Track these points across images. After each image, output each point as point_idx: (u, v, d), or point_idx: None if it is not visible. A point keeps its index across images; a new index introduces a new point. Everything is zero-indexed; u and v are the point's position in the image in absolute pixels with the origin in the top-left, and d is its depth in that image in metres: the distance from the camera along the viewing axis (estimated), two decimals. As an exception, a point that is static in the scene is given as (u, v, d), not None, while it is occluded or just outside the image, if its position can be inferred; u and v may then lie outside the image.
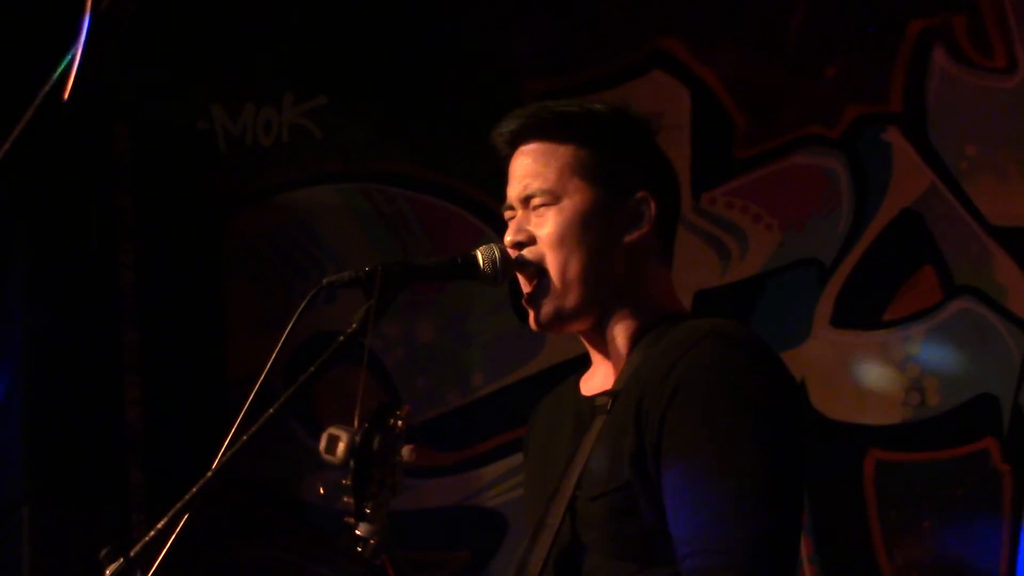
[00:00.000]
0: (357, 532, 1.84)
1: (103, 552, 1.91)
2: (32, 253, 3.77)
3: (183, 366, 3.90)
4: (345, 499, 1.85)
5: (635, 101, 3.94)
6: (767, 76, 4.21)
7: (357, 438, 1.82)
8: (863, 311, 4.12)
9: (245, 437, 1.98)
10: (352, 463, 1.82)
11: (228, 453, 1.99)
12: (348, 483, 1.83)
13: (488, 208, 4.30)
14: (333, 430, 1.86)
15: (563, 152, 2.10)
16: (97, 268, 3.85)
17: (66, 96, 1.03)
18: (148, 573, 1.96)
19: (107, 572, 1.90)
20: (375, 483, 1.84)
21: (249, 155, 4.56)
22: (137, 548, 1.93)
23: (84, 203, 3.86)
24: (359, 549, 1.85)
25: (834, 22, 4.16)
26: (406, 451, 1.86)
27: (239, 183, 4.54)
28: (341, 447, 1.83)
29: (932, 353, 4.04)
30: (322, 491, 1.97)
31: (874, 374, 4.08)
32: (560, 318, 2.08)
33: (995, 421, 3.96)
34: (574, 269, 2.06)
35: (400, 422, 1.86)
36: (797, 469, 1.97)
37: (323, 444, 1.85)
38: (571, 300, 2.06)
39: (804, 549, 4.07)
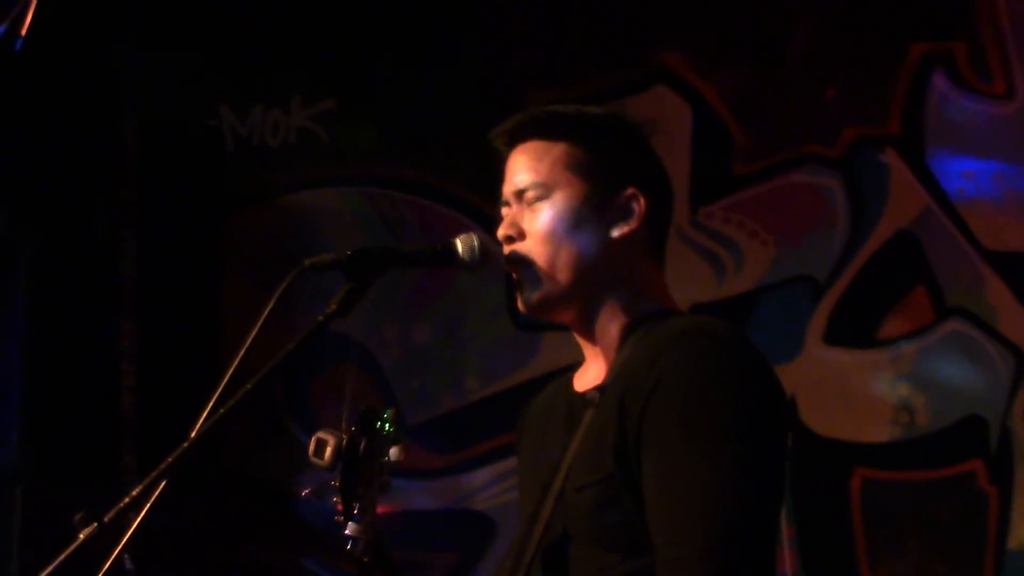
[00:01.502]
0: (347, 532, 1.91)
1: (77, 516, 1.95)
2: (37, 238, 3.83)
3: (179, 356, 3.96)
4: (334, 499, 1.92)
5: (637, 114, 4.02)
6: (768, 94, 4.26)
7: (344, 442, 1.89)
8: (855, 329, 4.15)
9: (222, 410, 2.02)
10: (339, 466, 1.90)
11: (205, 425, 2.03)
12: (337, 485, 1.90)
13: (488, 216, 4.34)
14: (321, 434, 1.93)
15: (556, 149, 2.15)
16: (100, 256, 3.91)
17: (23, 32, 1.07)
18: (122, 539, 2.00)
19: (80, 536, 1.94)
20: (363, 484, 1.90)
21: (255, 155, 4.62)
22: (111, 514, 1.96)
23: (90, 192, 3.92)
24: (349, 547, 1.91)
25: (836, 43, 4.20)
26: (394, 452, 1.92)
27: (244, 182, 4.60)
28: (328, 451, 1.90)
29: (922, 373, 4.07)
30: (304, 494, 2.04)
31: (864, 392, 4.12)
32: (546, 303, 2.12)
33: (983, 443, 3.99)
34: (562, 260, 2.11)
35: (387, 425, 1.93)
36: (775, 467, 1.99)
37: (312, 448, 1.92)
38: (557, 287, 2.10)
39: (789, 563, 4.09)
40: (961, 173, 4.10)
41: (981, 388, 4.01)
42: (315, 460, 1.91)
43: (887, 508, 4.06)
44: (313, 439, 1.92)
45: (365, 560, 1.91)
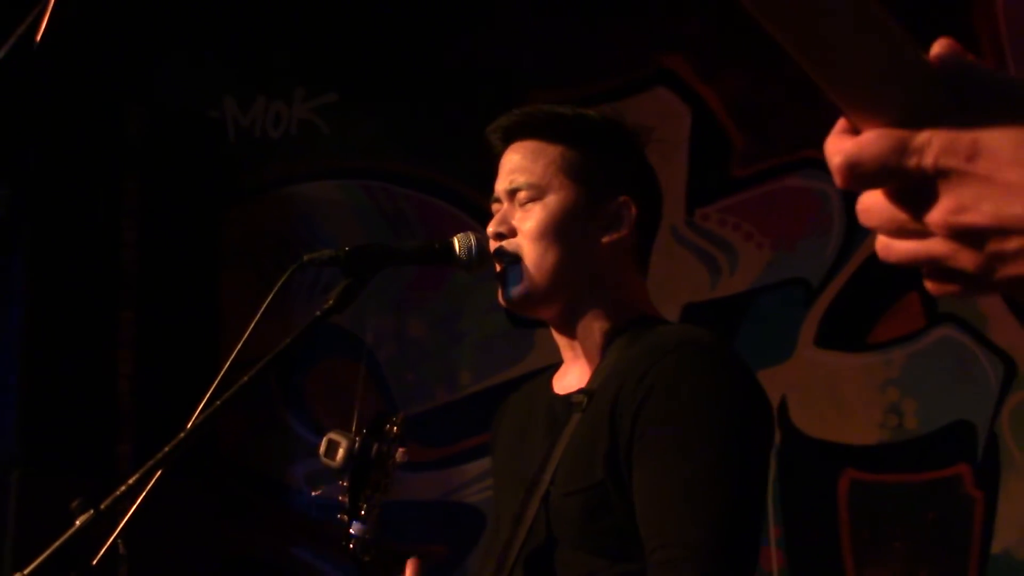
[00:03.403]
0: (351, 531, 1.94)
1: (74, 503, 1.98)
2: (37, 225, 3.85)
3: (176, 344, 3.98)
4: (341, 498, 1.95)
5: (637, 116, 4.03)
6: (766, 98, 4.28)
7: (356, 445, 1.93)
8: (847, 333, 4.18)
9: (219, 402, 2.05)
10: (350, 468, 1.93)
11: (202, 416, 2.06)
12: (346, 485, 1.94)
13: (487, 211, 4.37)
14: (334, 435, 1.96)
15: (552, 151, 2.18)
16: (100, 244, 3.92)
17: (38, 38, 1.09)
18: (118, 527, 2.03)
19: (77, 523, 1.97)
20: (371, 486, 1.94)
21: (257, 146, 4.65)
22: (107, 501, 1.99)
23: (92, 180, 3.94)
24: (351, 546, 1.95)
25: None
26: (399, 454, 1.96)
27: (245, 173, 4.63)
28: (341, 452, 1.94)
29: (912, 378, 4.09)
30: (315, 494, 2.08)
31: (854, 395, 4.14)
32: (527, 299, 2.14)
33: (970, 448, 4.01)
34: (549, 260, 2.13)
35: (395, 428, 1.96)
36: (759, 472, 2.04)
37: (323, 448, 1.95)
38: (540, 286, 2.13)
39: (775, 563, 4.12)
40: (956, 180, 4.11)
41: (970, 394, 4.03)
42: (326, 460, 1.94)
43: (874, 510, 4.09)
44: (324, 439, 1.95)
45: (366, 559, 1.95)
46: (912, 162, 0.78)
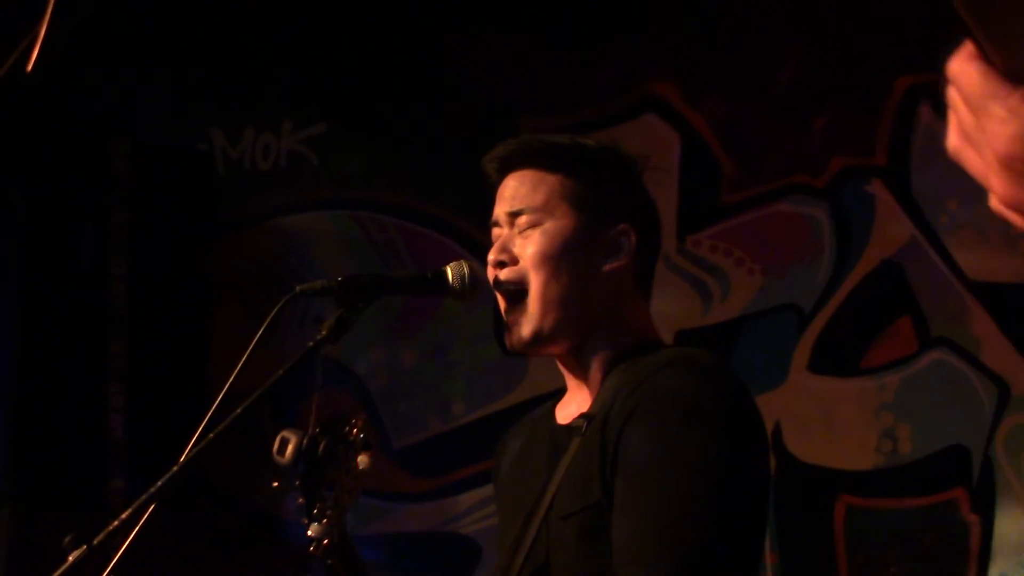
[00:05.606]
0: (309, 532, 1.92)
1: (67, 539, 1.96)
2: (27, 260, 3.84)
3: (168, 379, 3.96)
4: (299, 500, 1.94)
5: (627, 143, 4.04)
6: (756, 124, 4.29)
7: (305, 441, 1.91)
8: (840, 358, 4.17)
9: (212, 435, 2.04)
10: (300, 465, 1.91)
11: (195, 449, 2.05)
12: (299, 484, 1.92)
13: (477, 240, 4.38)
14: (285, 432, 1.95)
15: (552, 179, 2.18)
16: (89, 279, 3.91)
17: (29, 68, 1.08)
18: (111, 563, 2.02)
19: (69, 559, 1.95)
20: (326, 486, 1.92)
21: (246, 179, 4.64)
22: (100, 537, 1.97)
23: (80, 215, 3.93)
24: (311, 549, 1.93)
25: (824, 75, 4.24)
26: (362, 459, 1.93)
27: (235, 205, 4.62)
28: (290, 449, 1.93)
29: (906, 402, 4.09)
30: (274, 485, 2.05)
31: (848, 420, 4.14)
32: (538, 340, 2.13)
33: (965, 472, 4.00)
34: (553, 291, 2.12)
35: (355, 431, 1.94)
36: (748, 496, 2.01)
37: (275, 446, 1.94)
38: (549, 323, 2.12)
39: (772, 589, 4.11)
40: (946, 204, 4.12)
41: (964, 418, 4.03)
42: (277, 458, 1.94)
43: (870, 535, 4.08)
44: (277, 437, 1.94)
45: (329, 563, 1.93)
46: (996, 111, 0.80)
